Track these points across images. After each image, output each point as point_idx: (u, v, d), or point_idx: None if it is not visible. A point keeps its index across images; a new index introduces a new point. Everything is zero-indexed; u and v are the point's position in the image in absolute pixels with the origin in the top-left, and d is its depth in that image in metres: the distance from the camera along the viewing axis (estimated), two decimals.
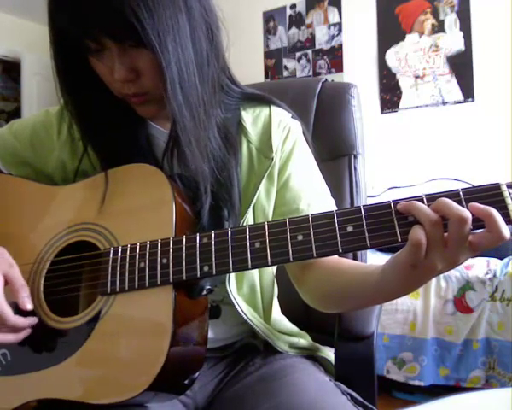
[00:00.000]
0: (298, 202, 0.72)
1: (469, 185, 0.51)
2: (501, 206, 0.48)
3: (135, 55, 0.62)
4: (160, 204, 0.62)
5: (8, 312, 0.60)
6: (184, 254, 0.58)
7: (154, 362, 0.55)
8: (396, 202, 0.51)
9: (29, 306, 0.62)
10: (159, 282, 0.58)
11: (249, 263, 0.55)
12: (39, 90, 4.28)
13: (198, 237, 0.58)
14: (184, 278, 0.57)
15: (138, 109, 0.68)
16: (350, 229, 0.52)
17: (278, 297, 0.84)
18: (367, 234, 0.51)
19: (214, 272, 0.56)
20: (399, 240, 0.50)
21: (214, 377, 0.76)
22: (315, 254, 0.53)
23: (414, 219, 0.50)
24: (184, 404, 0.72)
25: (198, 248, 0.57)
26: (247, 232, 0.56)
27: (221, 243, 0.57)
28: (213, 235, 0.58)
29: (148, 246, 0.60)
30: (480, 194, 0.49)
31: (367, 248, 0.52)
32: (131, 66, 0.62)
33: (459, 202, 0.48)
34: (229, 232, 0.57)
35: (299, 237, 0.54)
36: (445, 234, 0.49)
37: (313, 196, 0.73)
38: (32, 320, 0.63)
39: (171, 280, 0.57)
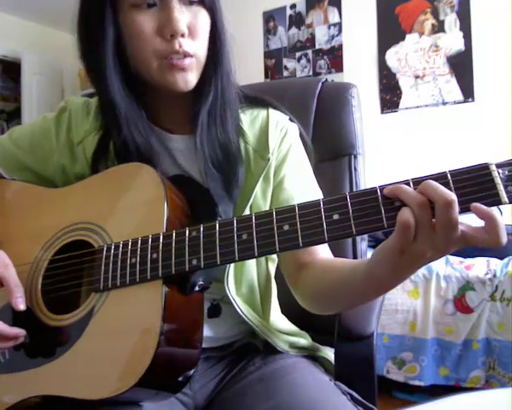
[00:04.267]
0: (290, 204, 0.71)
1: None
2: (490, 186, 0.46)
3: (193, 12, 0.66)
4: (152, 202, 0.63)
5: None
6: (173, 249, 0.58)
7: (142, 358, 0.55)
8: (382, 187, 0.50)
9: (22, 306, 0.63)
10: (149, 277, 0.58)
11: (236, 255, 0.55)
12: (39, 90, 4.28)
13: (187, 231, 0.58)
14: (173, 271, 0.57)
15: (179, 77, 0.66)
16: (336, 217, 0.51)
17: (278, 297, 0.84)
18: (353, 221, 0.50)
19: (202, 265, 0.56)
20: (385, 226, 0.49)
21: (214, 376, 0.76)
22: (301, 244, 0.52)
23: (400, 204, 0.48)
24: (184, 403, 0.72)
25: (187, 242, 0.58)
26: (235, 224, 0.56)
27: (209, 235, 0.57)
28: (202, 228, 0.58)
29: (139, 242, 0.60)
30: (468, 175, 0.47)
31: (353, 236, 0.51)
32: (188, 22, 0.65)
33: (447, 184, 0.47)
34: (217, 225, 0.57)
35: (286, 227, 0.53)
36: (434, 220, 0.47)
37: (306, 200, 0.72)
38: (14, 331, 0.62)
39: (160, 275, 0.58)
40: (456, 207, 0.45)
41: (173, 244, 0.58)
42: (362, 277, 0.57)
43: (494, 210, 0.45)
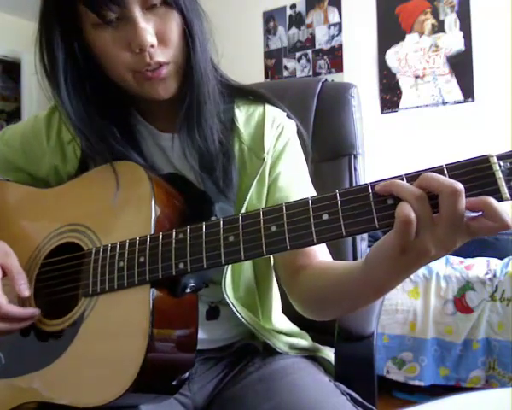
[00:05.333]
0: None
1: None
2: (490, 181, 0.42)
3: (159, 17, 0.61)
4: (139, 201, 0.61)
5: (1, 300, 0.60)
6: (160, 252, 0.56)
7: (133, 364, 0.54)
8: (374, 183, 0.47)
9: (26, 292, 0.63)
10: (136, 281, 0.57)
11: (222, 259, 0.53)
12: (39, 90, 4.26)
13: (174, 233, 0.56)
14: (160, 276, 0.56)
15: (158, 87, 0.64)
16: (325, 217, 0.48)
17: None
18: (342, 221, 0.47)
19: (189, 269, 0.54)
20: (377, 226, 0.46)
21: (213, 377, 0.75)
22: (288, 247, 0.49)
23: (393, 203, 0.45)
24: (183, 404, 0.72)
25: (173, 245, 0.56)
26: (221, 226, 0.54)
27: (196, 238, 0.55)
28: (188, 230, 0.55)
29: (127, 245, 0.59)
30: (466, 168, 0.43)
31: (343, 237, 0.47)
32: (156, 29, 0.61)
33: None
34: (204, 226, 0.55)
35: (273, 229, 0.50)
36: (435, 215, 0.44)
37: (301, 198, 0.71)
38: (29, 311, 0.62)
39: (147, 279, 0.56)
40: (464, 197, 0.42)
41: (160, 247, 0.56)
42: (359, 277, 0.55)
43: (486, 197, 0.42)
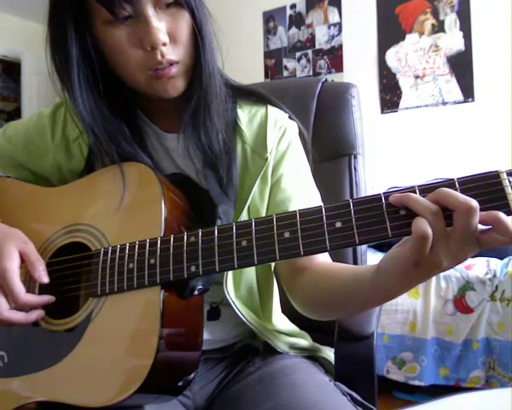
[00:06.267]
0: (287, 205, 0.70)
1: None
2: (500, 196, 0.44)
3: (171, 16, 0.62)
4: (149, 203, 0.62)
5: (21, 289, 0.60)
6: (171, 255, 0.57)
7: (142, 365, 0.54)
8: (387, 194, 0.48)
9: (45, 279, 0.63)
10: (146, 283, 0.57)
11: (235, 263, 0.53)
12: (39, 90, 4.28)
13: (185, 237, 0.57)
14: (172, 278, 0.56)
15: (168, 86, 0.65)
16: (338, 225, 0.49)
17: (279, 297, 0.84)
18: (356, 230, 0.48)
19: (201, 273, 0.55)
20: (390, 235, 0.47)
21: (214, 377, 0.76)
22: (302, 252, 0.51)
23: (406, 213, 0.46)
24: (184, 405, 0.72)
25: (185, 248, 0.56)
26: (234, 230, 0.54)
27: (208, 241, 0.55)
28: (200, 234, 0.56)
29: (136, 246, 0.59)
30: (477, 183, 0.45)
31: (355, 245, 0.49)
32: (167, 28, 0.62)
33: None
34: (216, 231, 0.55)
35: (286, 235, 0.51)
36: (448, 228, 0.45)
37: (303, 200, 0.71)
38: (45, 299, 0.62)
39: (158, 281, 0.57)
40: (478, 214, 0.43)
41: (171, 250, 0.57)
42: (369, 284, 0.55)
43: (496, 212, 0.44)
